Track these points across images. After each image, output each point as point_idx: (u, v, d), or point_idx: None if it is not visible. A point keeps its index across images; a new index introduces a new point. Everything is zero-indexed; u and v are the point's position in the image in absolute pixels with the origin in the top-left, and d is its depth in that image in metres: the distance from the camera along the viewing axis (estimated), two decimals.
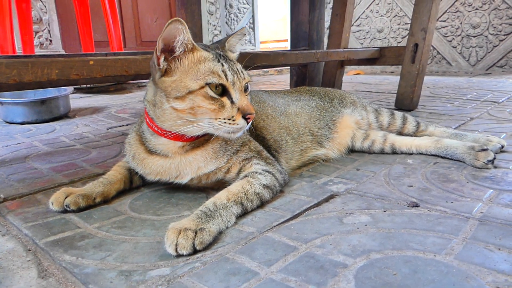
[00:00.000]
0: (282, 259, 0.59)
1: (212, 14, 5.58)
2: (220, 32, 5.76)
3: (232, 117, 0.74)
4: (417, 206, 0.77)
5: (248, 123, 0.75)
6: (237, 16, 6.02)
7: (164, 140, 0.80)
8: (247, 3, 6.21)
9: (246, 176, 0.79)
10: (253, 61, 1.22)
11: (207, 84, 0.73)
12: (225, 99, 0.74)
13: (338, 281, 0.52)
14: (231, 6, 5.87)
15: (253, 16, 6.29)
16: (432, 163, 1.02)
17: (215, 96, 0.73)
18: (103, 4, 2.71)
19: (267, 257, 0.59)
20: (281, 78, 4.04)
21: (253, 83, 3.07)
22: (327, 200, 0.82)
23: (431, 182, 0.89)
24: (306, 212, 0.76)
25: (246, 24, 6.22)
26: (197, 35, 2.82)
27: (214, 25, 5.65)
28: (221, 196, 0.73)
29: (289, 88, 2.26)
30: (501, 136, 1.25)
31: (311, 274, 0.54)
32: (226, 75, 0.75)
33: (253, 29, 6.33)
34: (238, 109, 0.75)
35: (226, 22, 5.83)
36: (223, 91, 0.75)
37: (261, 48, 7.08)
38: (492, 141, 1.07)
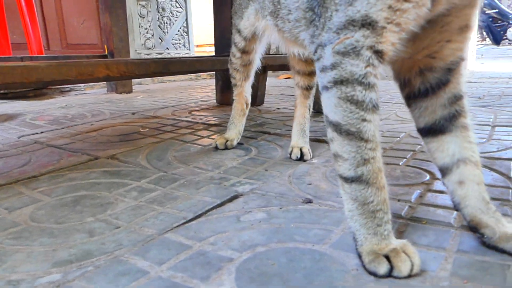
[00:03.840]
0: (174, 257, 0.62)
1: (143, 17, 5.47)
2: (152, 35, 5.66)
3: None
4: (310, 202, 0.84)
5: None
6: (170, 19, 5.96)
7: None
8: (181, 7, 6.17)
9: None
10: (168, 67, 1.24)
11: None
12: None
13: (221, 274, 0.57)
14: (163, 9, 5.79)
15: (186, 20, 6.26)
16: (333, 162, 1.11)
17: None
18: (18, 3, 2.57)
19: (160, 257, 0.62)
20: (212, 82, 4.06)
21: (183, 88, 3.07)
22: (230, 200, 0.87)
23: (328, 180, 0.97)
24: (208, 213, 0.80)
25: (180, 28, 6.18)
26: (124, 39, 2.78)
27: (146, 28, 5.54)
28: None
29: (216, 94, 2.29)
30: (400, 135, 1.39)
31: (198, 270, 0.58)
32: None
33: (187, 33, 6.29)
34: None
35: (159, 26, 5.75)
36: None
37: (196, 52, 7.06)
38: None
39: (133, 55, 5.32)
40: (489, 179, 0.93)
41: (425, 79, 0.64)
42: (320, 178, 0.99)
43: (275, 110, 1.99)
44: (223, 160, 1.16)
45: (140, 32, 5.40)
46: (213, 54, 2.13)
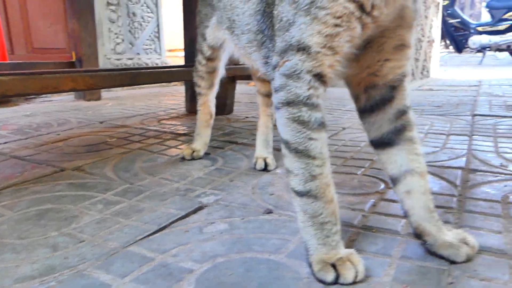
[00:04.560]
0: (137, 270, 0.65)
1: (114, 22, 5.40)
2: (122, 40, 5.60)
3: None
4: (271, 212, 0.88)
5: None
6: (141, 24, 5.91)
7: None
8: (152, 12, 6.13)
9: None
10: (136, 79, 1.26)
11: None
12: None
13: (181, 285, 0.60)
14: (134, 14, 5.74)
15: (158, 25, 6.22)
16: None
17: None
18: None
19: (123, 270, 0.65)
20: (183, 89, 4.06)
21: (153, 94, 3.06)
22: (195, 211, 0.89)
23: (290, 190, 1.02)
24: (172, 224, 0.83)
25: (151, 33, 6.14)
26: (92, 45, 2.75)
27: (116, 33, 5.47)
28: None
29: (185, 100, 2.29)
30: (361, 144, 1.46)
31: (159, 281, 0.61)
32: None
33: (159, 38, 6.26)
34: None
35: (130, 31, 5.69)
36: None
37: (168, 56, 7.02)
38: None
39: (102, 61, 5.24)
40: (437, 187, 1.00)
41: (370, 95, 0.69)
42: (282, 188, 1.03)
43: (244, 118, 2.04)
44: (190, 170, 1.19)
45: (110, 37, 5.33)
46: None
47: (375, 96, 0.69)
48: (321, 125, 0.60)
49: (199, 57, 1.25)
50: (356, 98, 0.72)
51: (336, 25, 0.56)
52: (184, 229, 0.80)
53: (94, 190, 1.02)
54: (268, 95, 1.25)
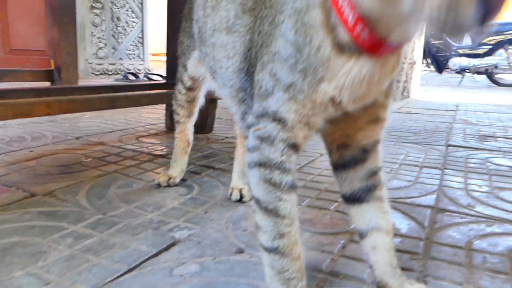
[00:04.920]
0: None
1: (97, 26, 5.34)
2: (105, 45, 5.54)
3: None
4: (242, 252, 0.89)
5: None
6: (125, 29, 5.86)
7: None
8: (137, 17, 6.09)
9: None
10: (114, 103, 1.25)
11: None
12: None
13: None
14: (118, 18, 5.69)
15: (142, 31, 6.19)
16: None
17: None
18: None
19: None
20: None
21: (133, 109, 3.02)
22: (166, 249, 0.89)
23: None
24: (142, 264, 0.82)
25: (135, 39, 6.09)
26: (72, 54, 2.71)
27: (99, 38, 5.41)
28: None
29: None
30: None
31: None
32: None
33: (142, 44, 6.22)
34: None
35: (113, 35, 5.64)
36: None
37: (151, 60, 6.97)
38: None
39: (83, 65, 5.17)
40: (406, 228, 1.03)
41: (343, 154, 0.71)
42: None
43: (223, 139, 2.04)
44: (165, 199, 1.19)
45: (92, 41, 5.27)
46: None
47: (347, 155, 0.70)
48: (292, 187, 0.61)
49: (179, 87, 1.25)
50: (329, 152, 0.73)
51: (313, 108, 0.57)
52: (154, 270, 0.80)
53: (65, 220, 1.00)
54: None
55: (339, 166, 0.73)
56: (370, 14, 0.48)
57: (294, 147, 0.60)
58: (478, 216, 1.12)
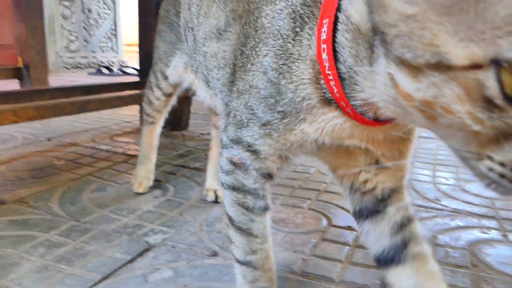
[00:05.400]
0: None
1: (67, 19, 5.18)
2: (76, 38, 5.39)
3: None
4: (216, 255, 0.91)
5: None
6: (97, 21, 5.71)
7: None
8: (109, 8, 5.93)
9: None
10: (86, 107, 1.24)
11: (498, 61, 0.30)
12: None
13: None
14: (89, 10, 5.54)
15: (115, 22, 6.04)
16: None
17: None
18: None
19: None
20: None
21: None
22: (141, 254, 0.90)
23: None
24: (117, 272, 0.83)
25: (108, 30, 5.94)
26: (41, 52, 2.63)
27: (69, 30, 5.26)
28: None
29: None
30: (311, 170, 1.51)
31: None
32: None
33: (116, 36, 6.08)
34: None
35: (84, 27, 5.48)
36: None
37: (126, 51, 6.81)
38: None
39: (54, 58, 5.01)
40: None
41: (360, 199, 0.62)
42: None
43: (198, 135, 2.04)
44: (139, 203, 1.19)
45: (62, 34, 5.11)
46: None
47: (365, 201, 0.61)
48: (265, 209, 0.62)
49: (158, 94, 1.21)
50: (345, 195, 0.65)
51: (288, 145, 0.55)
52: (129, 278, 0.80)
53: (37, 229, 0.99)
54: None
55: (357, 214, 0.63)
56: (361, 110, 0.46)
57: (268, 176, 0.60)
58: (444, 210, 1.17)
